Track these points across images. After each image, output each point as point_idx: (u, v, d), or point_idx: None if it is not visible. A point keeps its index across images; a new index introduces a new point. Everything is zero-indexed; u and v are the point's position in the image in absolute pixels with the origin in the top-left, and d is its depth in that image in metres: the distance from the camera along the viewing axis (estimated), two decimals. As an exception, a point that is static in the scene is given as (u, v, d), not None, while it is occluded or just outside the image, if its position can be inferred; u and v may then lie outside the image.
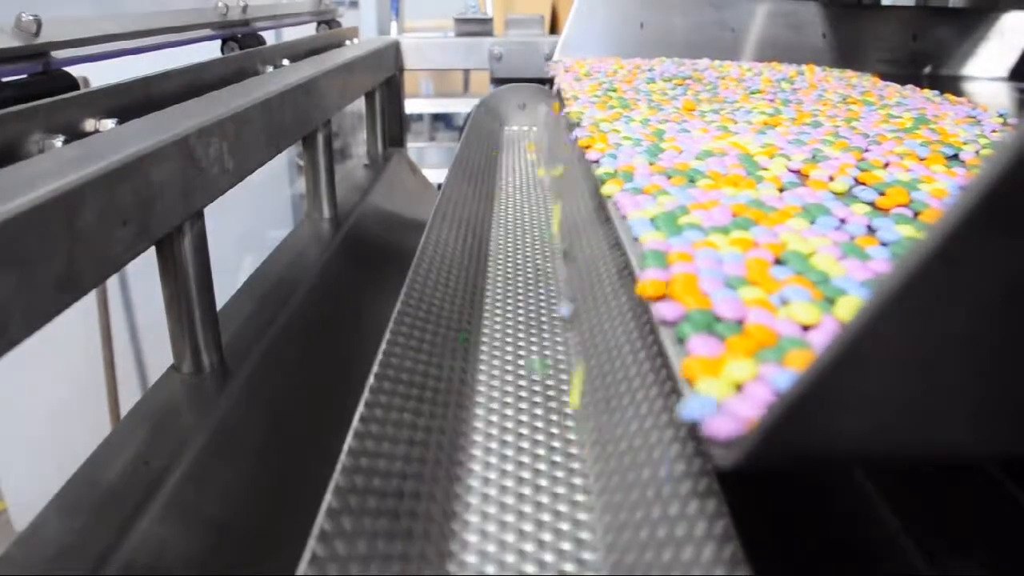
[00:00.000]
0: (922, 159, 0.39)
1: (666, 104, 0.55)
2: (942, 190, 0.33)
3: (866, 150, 0.41)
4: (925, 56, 0.94)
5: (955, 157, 0.40)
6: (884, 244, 0.26)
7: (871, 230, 0.28)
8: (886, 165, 0.37)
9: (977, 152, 0.41)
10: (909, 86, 0.67)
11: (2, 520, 1.26)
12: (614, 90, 0.61)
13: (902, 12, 0.98)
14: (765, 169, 0.37)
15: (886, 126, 0.48)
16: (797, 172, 0.36)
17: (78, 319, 1.20)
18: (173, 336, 0.40)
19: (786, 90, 0.64)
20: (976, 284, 0.13)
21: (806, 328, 0.20)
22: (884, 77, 0.74)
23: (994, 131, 0.48)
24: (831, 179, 0.35)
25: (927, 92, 0.64)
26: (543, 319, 0.37)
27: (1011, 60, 0.93)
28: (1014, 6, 0.93)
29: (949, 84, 0.88)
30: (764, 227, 0.28)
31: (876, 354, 0.13)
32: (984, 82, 0.90)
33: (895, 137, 0.44)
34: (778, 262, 0.25)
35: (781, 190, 0.33)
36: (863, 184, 0.34)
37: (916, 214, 0.30)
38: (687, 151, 0.40)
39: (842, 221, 0.29)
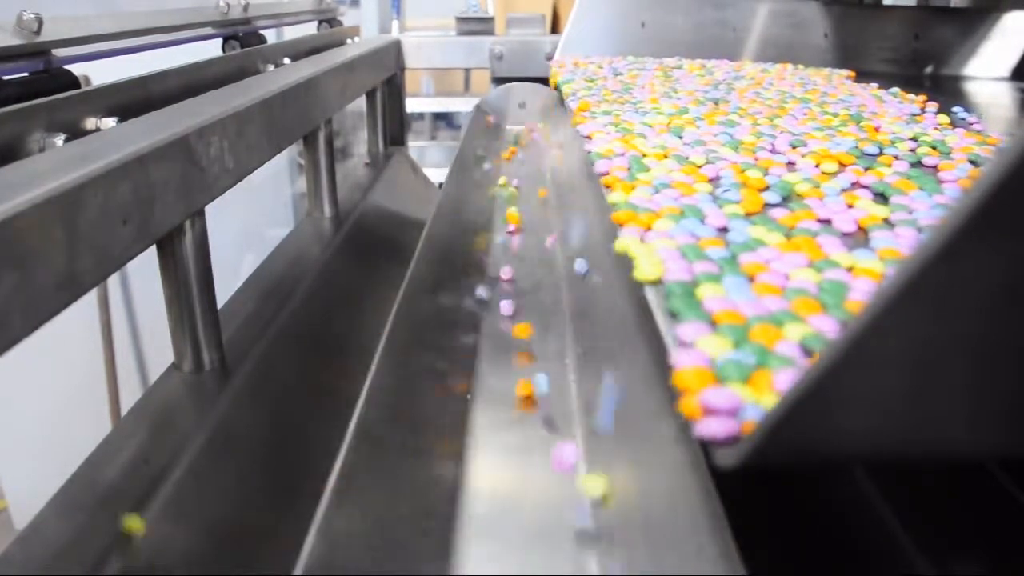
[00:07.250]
0: (831, 155, 0.39)
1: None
2: (819, 191, 0.33)
3: (772, 150, 0.40)
4: (926, 56, 0.94)
5: (880, 154, 0.40)
6: (727, 245, 0.27)
7: (726, 231, 0.28)
8: (768, 164, 0.38)
9: (913, 150, 0.41)
10: (866, 84, 0.66)
11: (2, 519, 1.27)
12: None
13: (904, 12, 0.98)
14: (647, 170, 0.36)
15: (812, 123, 0.48)
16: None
17: (79, 317, 1.20)
18: (174, 334, 0.40)
19: (720, 89, 0.62)
20: (976, 284, 0.13)
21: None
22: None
23: (936, 128, 0.47)
24: (698, 181, 0.35)
25: (876, 91, 0.64)
26: (544, 315, 0.37)
27: (1012, 60, 0.93)
28: (1015, 6, 0.93)
29: (950, 84, 0.87)
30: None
31: (876, 354, 0.13)
32: (985, 82, 0.90)
33: (823, 135, 0.44)
34: None
35: (655, 192, 0.33)
36: (740, 185, 0.34)
37: (790, 212, 0.31)
38: None
39: (702, 222, 0.29)
